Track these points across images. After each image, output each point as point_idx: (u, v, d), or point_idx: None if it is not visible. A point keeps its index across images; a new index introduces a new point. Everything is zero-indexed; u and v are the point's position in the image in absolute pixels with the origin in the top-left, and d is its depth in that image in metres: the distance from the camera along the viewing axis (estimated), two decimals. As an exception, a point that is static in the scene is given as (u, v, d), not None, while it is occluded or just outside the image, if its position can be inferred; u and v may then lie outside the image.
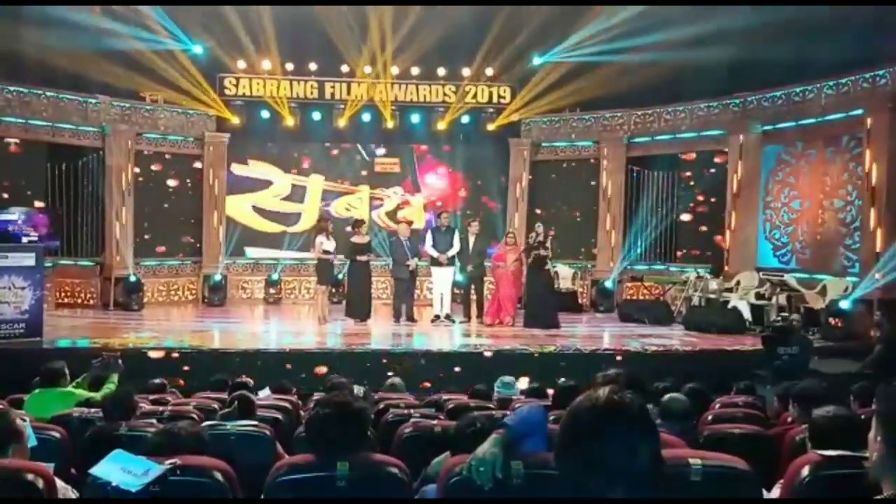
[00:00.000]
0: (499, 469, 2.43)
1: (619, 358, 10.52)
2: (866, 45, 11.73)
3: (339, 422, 3.14)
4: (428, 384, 9.59)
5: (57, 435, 4.25)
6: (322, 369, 9.87)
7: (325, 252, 12.96)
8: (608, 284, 15.92)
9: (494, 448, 2.47)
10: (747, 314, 12.89)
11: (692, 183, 15.67)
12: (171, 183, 16.30)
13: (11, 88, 14.03)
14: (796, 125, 13.78)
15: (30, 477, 3.01)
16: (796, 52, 12.48)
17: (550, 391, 6.51)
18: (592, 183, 16.74)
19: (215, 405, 5.71)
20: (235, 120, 16.55)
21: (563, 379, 6.50)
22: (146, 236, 15.82)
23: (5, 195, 13.76)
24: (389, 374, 9.00)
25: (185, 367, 9.98)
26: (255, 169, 17.07)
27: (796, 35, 12.26)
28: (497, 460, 2.45)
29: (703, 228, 15.55)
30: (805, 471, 3.08)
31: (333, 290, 14.77)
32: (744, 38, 13.25)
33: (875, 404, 2.18)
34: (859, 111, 12.44)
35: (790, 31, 12.48)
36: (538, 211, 16.87)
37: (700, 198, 15.54)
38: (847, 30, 11.45)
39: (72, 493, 3.36)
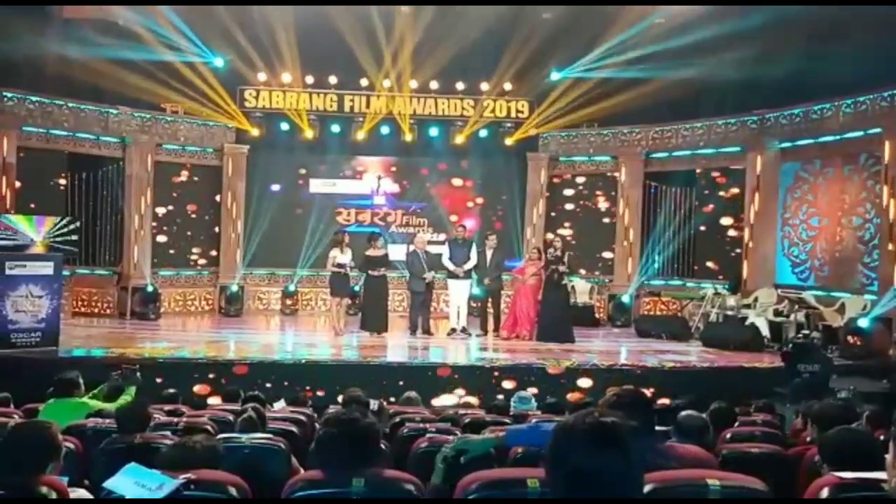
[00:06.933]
0: (490, 446, 2.92)
1: (638, 372, 10.53)
2: (884, 64, 11.65)
3: (347, 441, 3.13)
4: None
5: (71, 446, 4.22)
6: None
7: (339, 265, 12.99)
8: (625, 299, 15.84)
9: (487, 437, 2.93)
10: (765, 331, 12.77)
11: (710, 199, 15.58)
12: (190, 194, 16.38)
13: (33, 98, 14.12)
14: (814, 143, 13.72)
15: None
16: (814, 70, 12.41)
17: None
18: (610, 197, 16.72)
19: (230, 417, 5.70)
20: (255, 132, 16.63)
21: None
22: (164, 246, 15.90)
23: (31, 204, 13.83)
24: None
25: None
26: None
27: (814, 53, 12.20)
28: (487, 443, 2.87)
29: (721, 244, 15.45)
30: (825, 493, 3.04)
31: (350, 303, 14.75)
32: (762, 55, 13.20)
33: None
34: (877, 130, 12.36)
35: (808, 48, 12.43)
36: (555, 225, 16.83)
37: (718, 214, 15.44)
38: (865, 48, 11.39)
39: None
